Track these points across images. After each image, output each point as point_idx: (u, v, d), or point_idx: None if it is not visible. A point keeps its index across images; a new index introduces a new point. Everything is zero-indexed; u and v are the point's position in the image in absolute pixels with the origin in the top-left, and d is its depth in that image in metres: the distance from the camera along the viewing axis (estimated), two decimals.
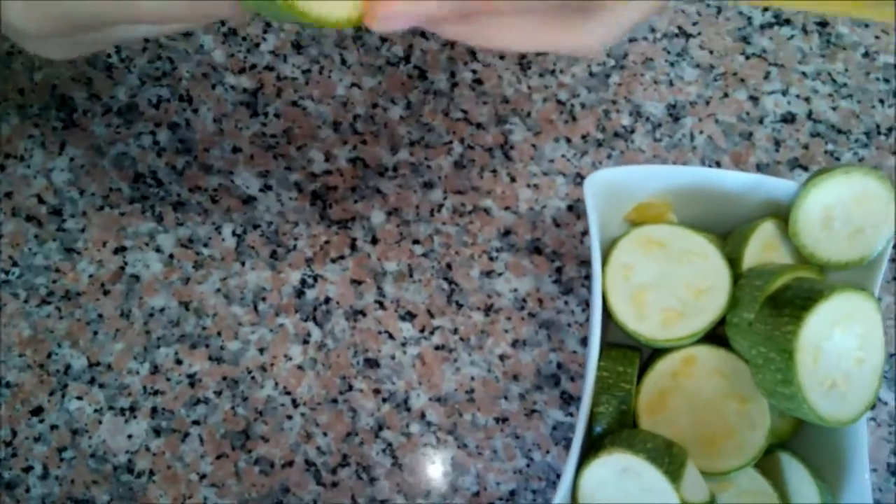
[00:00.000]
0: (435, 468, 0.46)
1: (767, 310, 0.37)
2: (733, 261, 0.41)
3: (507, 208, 0.51)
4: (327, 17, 0.25)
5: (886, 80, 0.53)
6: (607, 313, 0.41)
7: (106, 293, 0.49)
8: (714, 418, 0.39)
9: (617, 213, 0.44)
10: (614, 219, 0.44)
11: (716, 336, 0.41)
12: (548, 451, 0.47)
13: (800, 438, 0.42)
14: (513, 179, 0.51)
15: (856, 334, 0.37)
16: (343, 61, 0.53)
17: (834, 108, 0.53)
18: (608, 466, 0.38)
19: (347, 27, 0.26)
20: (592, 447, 0.40)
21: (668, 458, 0.37)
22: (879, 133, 0.52)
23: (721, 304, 0.40)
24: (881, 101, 0.53)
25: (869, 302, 0.37)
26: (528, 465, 0.47)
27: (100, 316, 0.48)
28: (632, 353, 0.42)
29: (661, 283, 0.40)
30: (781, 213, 0.42)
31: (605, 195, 0.42)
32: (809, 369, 0.35)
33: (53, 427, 0.46)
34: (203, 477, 0.46)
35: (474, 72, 0.53)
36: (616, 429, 0.40)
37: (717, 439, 0.39)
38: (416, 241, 0.50)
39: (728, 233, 0.45)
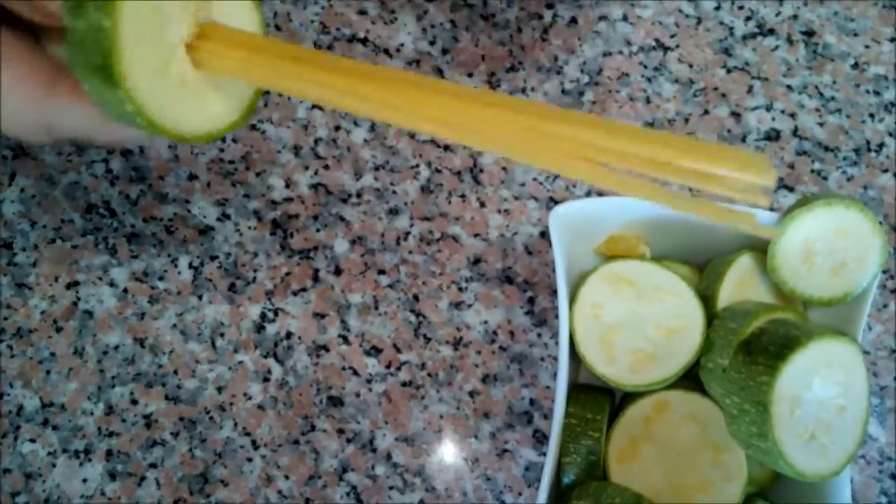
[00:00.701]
0: None
1: (741, 356, 0.35)
2: (708, 298, 0.39)
3: (476, 235, 0.48)
4: (194, 132, 0.23)
5: (877, 93, 0.50)
6: (576, 354, 0.39)
7: (59, 330, 0.47)
8: (688, 469, 0.37)
9: (587, 245, 0.42)
10: (585, 251, 0.42)
11: (694, 377, 0.39)
12: (520, 493, 0.45)
13: (780, 487, 0.39)
14: (482, 205, 0.49)
15: (836, 382, 0.35)
16: None
17: (821, 124, 0.50)
18: None
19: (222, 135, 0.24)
20: (561, 499, 0.38)
21: None
22: (870, 150, 0.50)
23: (694, 347, 0.37)
24: (871, 116, 0.50)
25: (850, 347, 0.34)
26: None
27: (52, 354, 0.46)
28: (602, 398, 0.39)
29: (631, 324, 0.38)
30: (760, 245, 0.40)
31: (573, 227, 0.40)
32: (786, 422, 0.33)
33: (6, 471, 0.45)
34: None
35: None
36: (585, 480, 0.38)
37: (691, 492, 0.37)
38: (381, 272, 0.48)
39: (706, 263, 0.42)
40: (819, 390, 0.34)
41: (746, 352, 0.35)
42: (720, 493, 0.36)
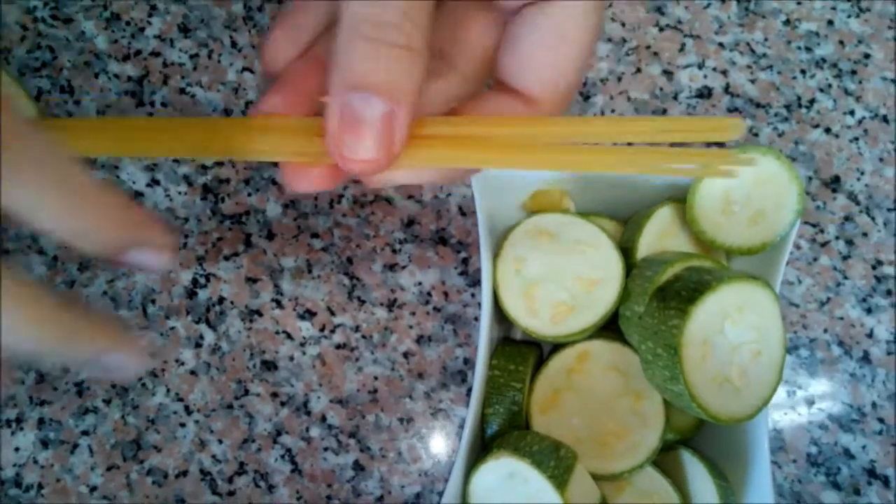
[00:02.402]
0: (336, 473, 0.44)
1: (656, 302, 0.35)
2: (629, 249, 0.39)
3: (410, 197, 0.48)
4: None
5: (808, 49, 0.51)
6: (500, 308, 0.39)
7: None
8: (608, 417, 0.37)
9: (513, 202, 0.42)
10: (511, 208, 0.42)
11: (617, 328, 0.39)
12: (454, 451, 0.45)
13: (703, 435, 0.40)
14: None
15: (751, 326, 0.35)
16: (233, 44, 0.50)
17: (752, 81, 0.50)
18: (494, 471, 0.36)
19: None
20: (485, 450, 0.38)
21: (555, 462, 0.35)
22: (801, 105, 0.50)
23: (612, 297, 0.37)
24: (802, 72, 0.50)
25: (763, 291, 0.35)
26: (433, 467, 0.45)
27: None
28: (527, 351, 0.40)
29: (552, 276, 0.38)
30: (682, 197, 0.40)
31: (498, 184, 0.40)
32: (697, 365, 0.33)
33: None
34: (94, 489, 0.44)
35: None
36: (507, 430, 0.38)
37: (610, 439, 0.37)
38: (314, 235, 0.47)
39: (631, 217, 0.42)
40: (732, 334, 0.34)
41: (661, 298, 0.35)
42: (639, 441, 0.37)
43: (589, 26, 0.23)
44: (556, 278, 0.38)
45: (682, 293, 0.34)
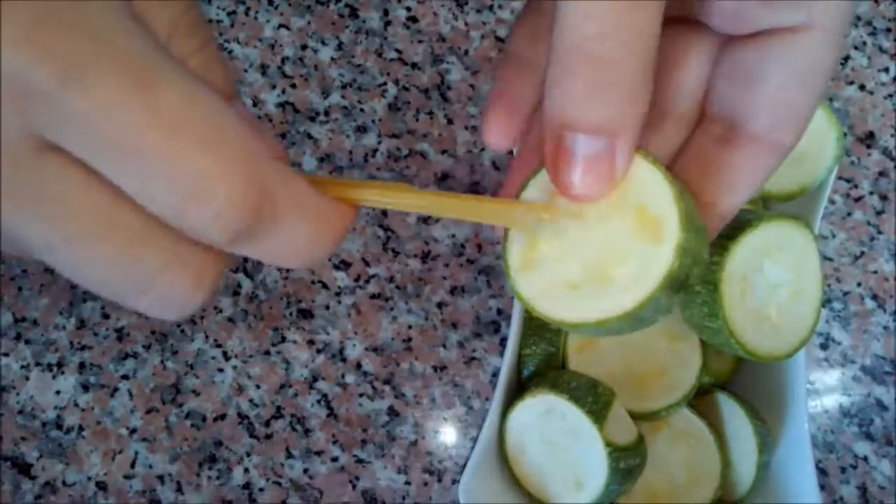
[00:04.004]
0: (371, 418, 0.45)
1: None
2: None
3: (444, 152, 0.49)
4: None
5: None
6: None
7: None
8: (644, 357, 0.38)
9: None
10: None
11: None
12: (487, 399, 0.46)
13: (739, 379, 0.40)
14: (450, 121, 0.49)
15: (789, 266, 0.35)
16: (270, 1, 0.50)
17: None
18: (532, 409, 0.36)
19: None
20: (521, 390, 0.39)
21: (593, 398, 0.35)
22: None
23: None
24: None
25: (802, 231, 0.35)
26: (467, 413, 0.45)
27: (24, 271, 0.47)
28: None
29: None
30: None
31: None
32: (736, 302, 0.34)
33: None
34: (133, 431, 0.45)
35: (408, 9, 0.51)
36: (544, 371, 0.38)
37: (648, 378, 0.37)
38: None
39: None
40: (771, 273, 0.35)
41: None
42: (675, 379, 0.37)
43: (836, 53, 0.21)
44: None
45: (723, 231, 0.34)
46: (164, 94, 0.14)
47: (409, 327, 0.46)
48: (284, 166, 0.16)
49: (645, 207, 0.20)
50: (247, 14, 0.50)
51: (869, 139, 0.49)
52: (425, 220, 0.48)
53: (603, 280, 0.20)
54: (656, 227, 0.20)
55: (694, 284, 0.20)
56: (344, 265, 0.47)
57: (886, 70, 0.50)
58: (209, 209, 0.14)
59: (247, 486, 0.44)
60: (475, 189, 0.48)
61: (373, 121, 0.49)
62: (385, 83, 0.49)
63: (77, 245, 0.15)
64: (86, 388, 0.45)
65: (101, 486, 0.44)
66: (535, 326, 0.39)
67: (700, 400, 0.40)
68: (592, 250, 0.21)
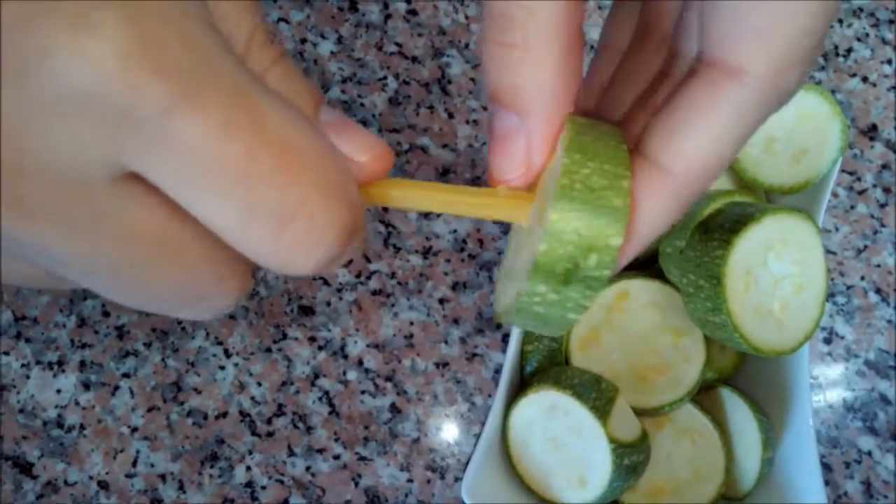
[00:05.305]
0: (373, 415, 0.45)
1: (698, 236, 0.35)
2: None
3: (445, 146, 0.48)
4: None
5: None
6: None
7: None
8: (648, 353, 0.38)
9: None
10: None
11: (656, 270, 0.39)
12: (489, 395, 0.45)
13: (743, 374, 0.40)
14: (451, 115, 0.49)
15: (793, 259, 0.35)
16: None
17: None
18: (535, 405, 0.36)
19: None
20: (524, 387, 0.39)
21: (596, 395, 0.35)
22: (838, 54, 0.49)
23: None
24: (840, 21, 0.50)
25: (806, 224, 0.35)
26: (469, 410, 0.45)
27: None
28: None
29: None
30: None
31: None
32: (740, 296, 0.33)
33: None
34: (134, 430, 0.45)
35: (408, 2, 0.50)
36: (547, 367, 0.38)
37: (651, 374, 0.37)
38: None
39: None
40: (775, 267, 0.34)
41: (703, 231, 0.35)
42: (680, 375, 0.37)
43: None
44: None
45: (726, 225, 0.34)
46: (268, 114, 0.13)
47: (411, 323, 0.46)
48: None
49: (543, 187, 0.18)
50: None
51: (872, 131, 0.48)
52: (426, 214, 0.47)
53: (509, 274, 0.19)
54: (543, 210, 0.17)
55: (596, 276, 0.17)
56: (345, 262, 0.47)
57: (889, 62, 0.49)
58: (311, 237, 0.14)
59: (249, 484, 0.44)
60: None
61: (373, 115, 0.49)
62: (385, 77, 0.49)
63: (141, 269, 0.14)
64: (87, 386, 0.45)
65: (103, 485, 0.43)
66: None
67: (704, 395, 0.39)
68: (522, 242, 0.19)
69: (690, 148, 0.17)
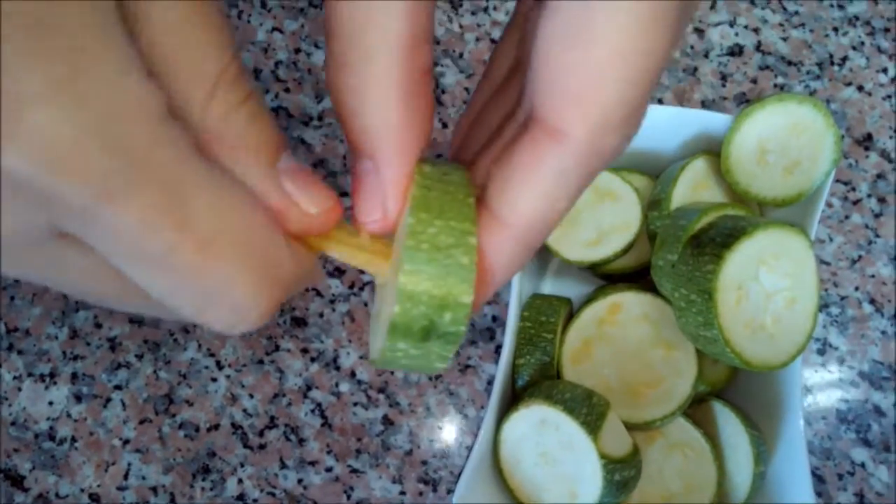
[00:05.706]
0: (366, 427, 0.45)
1: (690, 249, 0.35)
2: (661, 202, 0.39)
3: (439, 156, 0.48)
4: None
5: (841, 6, 0.50)
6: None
7: None
8: (639, 367, 0.37)
9: None
10: None
11: (648, 283, 0.39)
12: (482, 407, 0.45)
13: (735, 387, 0.40)
14: (444, 125, 0.49)
15: (785, 273, 0.35)
16: (263, 4, 0.50)
17: (784, 39, 0.50)
18: (526, 420, 0.36)
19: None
20: (516, 400, 0.38)
21: (587, 410, 0.35)
22: (832, 63, 0.49)
23: (625, 242, 0.38)
24: (835, 30, 0.50)
25: (798, 238, 0.34)
26: (462, 422, 0.45)
27: (16, 281, 0.46)
28: (558, 303, 0.40)
29: (585, 220, 0.38)
30: (716, 150, 0.40)
31: None
32: (731, 310, 0.33)
33: None
34: (126, 442, 0.44)
35: None
36: (539, 381, 0.38)
37: (643, 388, 0.37)
38: (343, 194, 0.48)
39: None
40: (766, 281, 0.34)
41: (695, 245, 0.35)
42: (671, 389, 0.37)
43: (631, 27, 0.15)
44: (588, 222, 0.38)
45: (717, 239, 0.34)
46: (195, 207, 0.14)
47: None
48: (293, 249, 0.16)
49: (397, 241, 0.18)
50: (239, 17, 0.50)
51: (867, 141, 0.48)
52: None
53: (376, 322, 0.19)
54: (396, 269, 0.17)
55: (453, 332, 0.17)
56: (338, 272, 0.47)
57: (885, 71, 0.49)
58: (235, 316, 0.15)
59: (241, 497, 0.43)
60: None
61: None
62: None
63: (97, 299, 0.16)
64: (78, 398, 0.45)
65: (94, 497, 0.43)
66: (530, 336, 0.38)
67: (695, 408, 0.39)
68: (384, 295, 0.19)
69: (522, 204, 0.17)
